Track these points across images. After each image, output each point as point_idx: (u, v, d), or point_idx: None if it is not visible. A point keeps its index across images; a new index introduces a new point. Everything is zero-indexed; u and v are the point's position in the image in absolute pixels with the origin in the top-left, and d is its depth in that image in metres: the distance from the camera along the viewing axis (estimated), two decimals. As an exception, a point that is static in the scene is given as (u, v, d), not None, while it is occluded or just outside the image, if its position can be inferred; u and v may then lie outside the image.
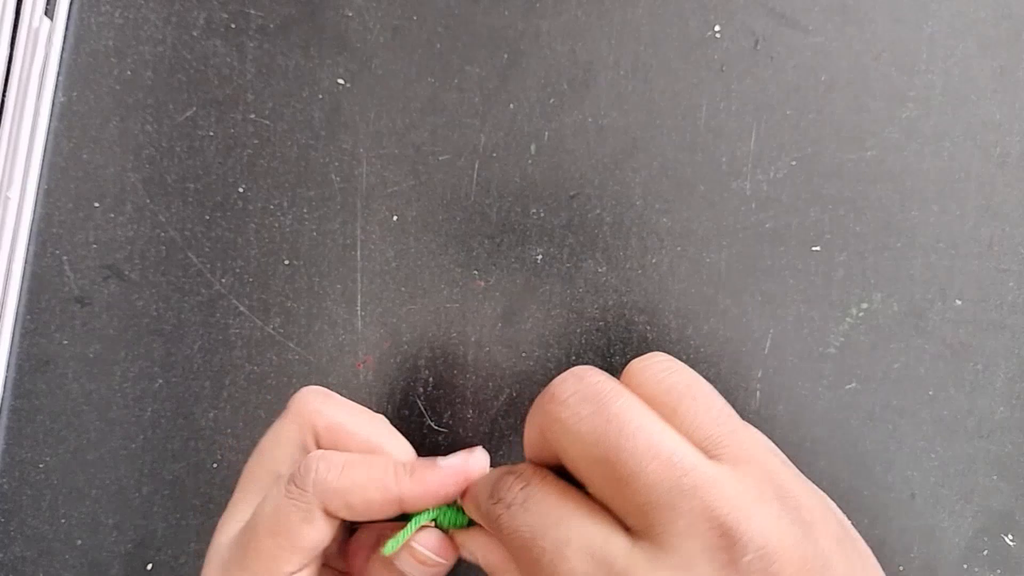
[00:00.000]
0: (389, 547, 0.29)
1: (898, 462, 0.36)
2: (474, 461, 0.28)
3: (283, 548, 0.27)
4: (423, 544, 0.29)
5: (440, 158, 0.37)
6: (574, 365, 0.33)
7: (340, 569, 0.32)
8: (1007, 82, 0.37)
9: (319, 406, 0.30)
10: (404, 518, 0.29)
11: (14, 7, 0.38)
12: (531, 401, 0.27)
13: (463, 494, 0.28)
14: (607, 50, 0.37)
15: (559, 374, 0.27)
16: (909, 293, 0.36)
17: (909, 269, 0.36)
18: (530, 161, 0.37)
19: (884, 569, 0.30)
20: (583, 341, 0.37)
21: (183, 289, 0.37)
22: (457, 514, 0.29)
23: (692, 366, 0.29)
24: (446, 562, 0.29)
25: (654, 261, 0.37)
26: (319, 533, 0.28)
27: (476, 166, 0.37)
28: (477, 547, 0.28)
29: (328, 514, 0.28)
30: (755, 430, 0.26)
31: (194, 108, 0.38)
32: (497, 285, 0.37)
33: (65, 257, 0.38)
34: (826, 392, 0.36)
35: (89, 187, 0.38)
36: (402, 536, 0.29)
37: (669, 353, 0.29)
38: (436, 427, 0.37)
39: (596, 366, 0.36)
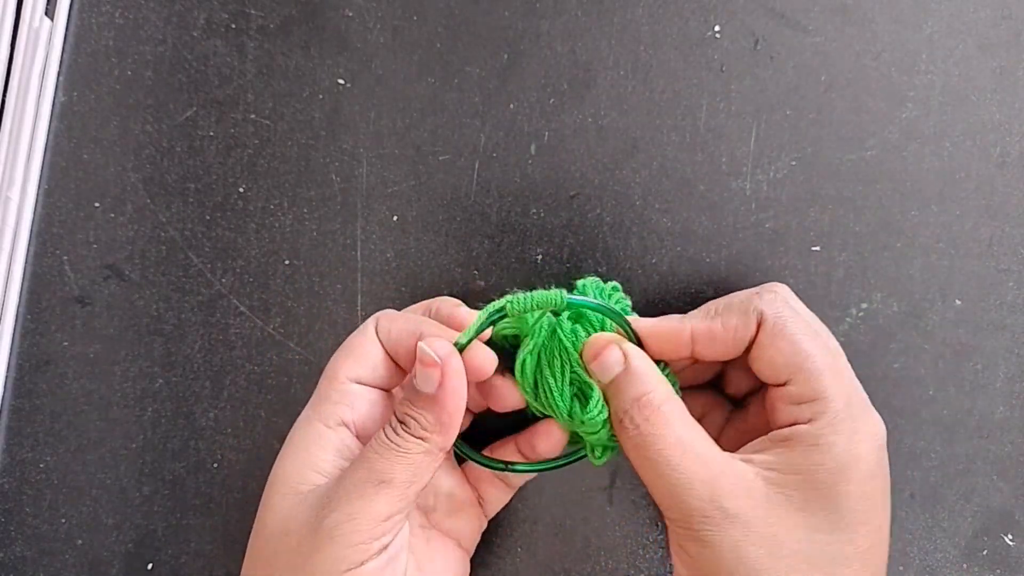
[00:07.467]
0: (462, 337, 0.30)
1: (898, 462, 0.36)
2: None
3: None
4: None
5: (440, 158, 0.37)
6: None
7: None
8: (1007, 82, 0.37)
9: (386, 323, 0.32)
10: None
11: (14, 7, 0.38)
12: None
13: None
14: (607, 50, 0.37)
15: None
16: (909, 293, 0.36)
17: (909, 269, 0.36)
18: (530, 161, 0.37)
19: (885, 569, 0.30)
20: (583, 341, 0.37)
21: (183, 289, 0.37)
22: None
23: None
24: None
25: (654, 261, 0.37)
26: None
27: (476, 166, 0.37)
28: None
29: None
30: None
31: (194, 108, 0.38)
32: (497, 285, 0.37)
33: (65, 257, 0.38)
34: (826, 392, 0.36)
35: (89, 187, 0.38)
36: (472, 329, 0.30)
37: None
38: (436, 427, 0.37)
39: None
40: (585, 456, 0.32)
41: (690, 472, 0.27)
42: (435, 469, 0.29)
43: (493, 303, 0.30)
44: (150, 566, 0.37)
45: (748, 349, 0.30)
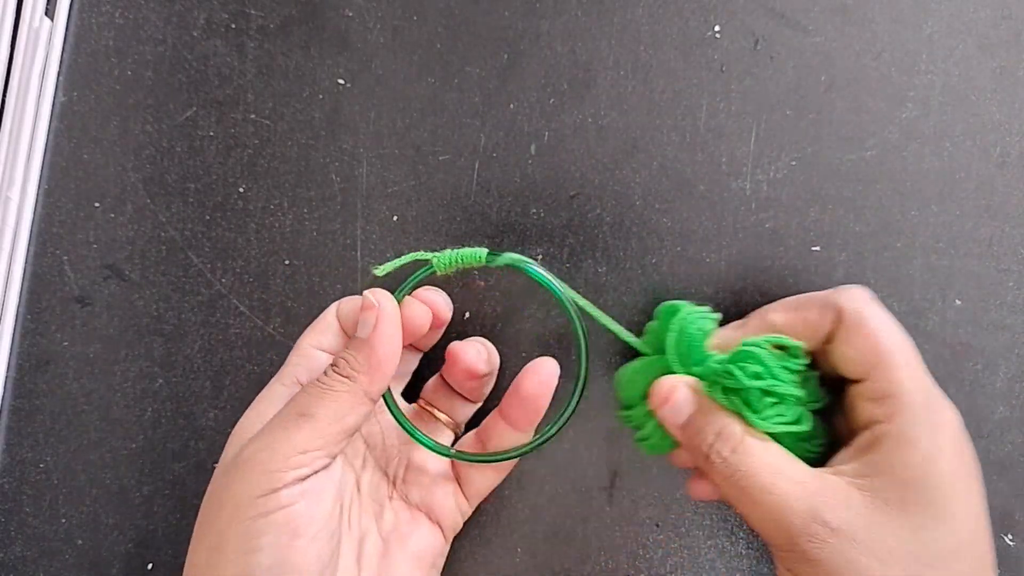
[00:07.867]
0: (382, 269, 0.33)
1: (898, 462, 0.36)
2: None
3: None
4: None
5: (440, 158, 0.37)
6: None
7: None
8: (1007, 82, 0.37)
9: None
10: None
11: (14, 7, 0.38)
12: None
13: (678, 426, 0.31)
14: (607, 50, 0.37)
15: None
16: (909, 293, 0.36)
17: (909, 269, 0.36)
18: (530, 161, 0.37)
19: (992, 552, 0.30)
20: (583, 341, 0.37)
21: (183, 289, 0.37)
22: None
23: (692, 366, 0.29)
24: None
25: (654, 261, 0.37)
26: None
27: (476, 166, 0.37)
28: None
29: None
30: None
31: (194, 108, 0.38)
32: (497, 285, 0.37)
33: (65, 257, 0.38)
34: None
35: (89, 187, 0.38)
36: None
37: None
38: (436, 427, 0.37)
39: (596, 367, 0.36)
40: (518, 454, 0.33)
41: (785, 492, 0.27)
42: (361, 414, 0.29)
43: (421, 253, 0.33)
44: (150, 566, 0.37)
45: (827, 344, 0.30)
